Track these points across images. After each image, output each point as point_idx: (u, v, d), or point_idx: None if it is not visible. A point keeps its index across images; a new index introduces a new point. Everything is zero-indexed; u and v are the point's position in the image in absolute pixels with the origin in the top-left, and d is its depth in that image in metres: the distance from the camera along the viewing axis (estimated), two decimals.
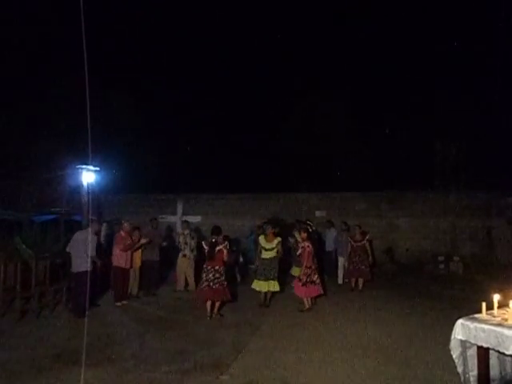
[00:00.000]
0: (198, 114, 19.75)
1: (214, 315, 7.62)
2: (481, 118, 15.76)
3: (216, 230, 7.87)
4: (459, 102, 16.12)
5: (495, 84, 15.84)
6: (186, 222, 11.07)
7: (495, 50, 16.10)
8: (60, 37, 16.93)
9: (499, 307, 3.91)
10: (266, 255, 8.65)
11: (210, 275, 7.60)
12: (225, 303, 8.04)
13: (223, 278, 7.69)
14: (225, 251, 7.71)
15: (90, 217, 9.46)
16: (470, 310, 4.17)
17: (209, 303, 7.59)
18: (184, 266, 10.16)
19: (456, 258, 12.94)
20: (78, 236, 7.91)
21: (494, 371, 3.85)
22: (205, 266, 7.77)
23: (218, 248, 7.69)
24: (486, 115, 15.87)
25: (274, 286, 8.63)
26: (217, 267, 7.66)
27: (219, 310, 7.80)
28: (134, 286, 9.39)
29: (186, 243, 10.16)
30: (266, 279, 8.54)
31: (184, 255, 10.13)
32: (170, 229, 14.26)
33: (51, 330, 6.83)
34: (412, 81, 17.59)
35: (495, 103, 15.88)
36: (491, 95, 15.98)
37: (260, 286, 8.61)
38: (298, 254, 8.64)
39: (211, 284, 7.55)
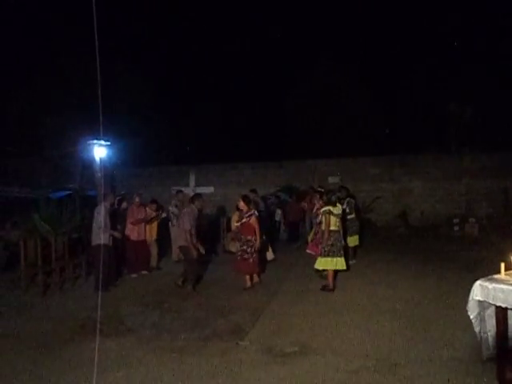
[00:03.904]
0: (208, 85, 19.53)
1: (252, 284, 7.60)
2: (495, 79, 15.28)
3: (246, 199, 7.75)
4: (473, 62, 15.63)
5: (509, 44, 15.32)
6: (178, 191, 10.74)
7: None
8: (72, 10, 16.69)
9: None
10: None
11: (243, 246, 7.57)
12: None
13: (251, 249, 7.49)
14: (252, 220, 7.54)
15: (103, 191, 9.54)
16: (486, 271, 4.16)
17: (249, 276, 7.58)
18: (173, 235, 9.94)
19: (471, 220, 12.83)
20: (96, 210, 8.02)
21: None
22: (254, 237, 7.60)
23: (244, 220, 7.60)
24: (500, 76, 15.36)
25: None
26: (249, 237, 7.56)
27: (253, 279, 7.73)
28: (153, 258, 9.54)
29: (173, 213, 10.09)
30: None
31: (173, 225, 10.05)
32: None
33: (73, 302, 7.03)
34: (425, 42, 17.05)
35: (509, 63, 15.38)
36: (505, 55, 15.46)
37: None
38: (318, 221, 8.30)
39: (238, 255, 7.61)
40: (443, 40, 16.74)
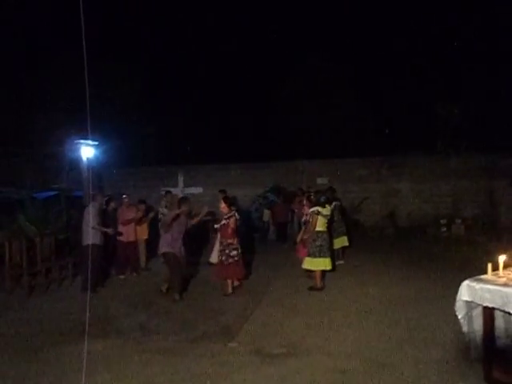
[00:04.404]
0: (197, 86, 19.44)
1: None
2: (483, 80, 15.46)
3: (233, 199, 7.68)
4: (460, 63, 15.81)
5: (496, 45, 15.53)
6: (167, 192, 10.63)
7: (495, 11, 15.68)
8: (59, 8, 16.48)
9: (504, 268, 3.92)
10: None
11: (224, 250, 7.25)
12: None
13: (233, 252, 7.20)
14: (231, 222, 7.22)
15: (91, 192, 9.43)
16: (472, 271, 4.19)
17: (230, 281, 7.25)
18: None
19: (458, 221, 12.98)
20: (86, 210, 7.92)
21: (499, 331, 3.89)
22: (236, 239, 7.32)
23: (223, 222, 7.26)
24: (487, 77, 15.55)
25: None
26: (229, 240, 7.26)
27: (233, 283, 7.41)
28: (141, 259, 9.47)
29: (162, 214, 10.03)
30: None
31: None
32: None
33: (59, 304, 6.93)
34: (412, 43, 17.17)
35: (496, 64, 15.58)
36: (493, 56, 15.66)
37: None
38: (303, 220, 8.32)
39: (223, 259, 7.21)
40: (431, 40, 16.88)
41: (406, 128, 16.15)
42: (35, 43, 16.85)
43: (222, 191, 9.75)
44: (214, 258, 8.37)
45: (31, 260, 7.77)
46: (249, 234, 12.33)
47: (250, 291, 7.40)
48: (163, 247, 7.28)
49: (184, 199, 7.78)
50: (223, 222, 7.29)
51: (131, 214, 9.01)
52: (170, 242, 7.18)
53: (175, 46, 20.02)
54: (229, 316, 6.05)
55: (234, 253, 7.18)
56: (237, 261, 7.20)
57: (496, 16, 15.76)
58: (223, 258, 7.20)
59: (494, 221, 12.87)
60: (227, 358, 4.63)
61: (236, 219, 7.30)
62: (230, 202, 7.59)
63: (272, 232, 13.63)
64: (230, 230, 7.24)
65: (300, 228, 9.95)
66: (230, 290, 7.21)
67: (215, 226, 7.74)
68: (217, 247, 8.09)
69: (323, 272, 7.52)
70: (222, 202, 7.45)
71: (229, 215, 7.29)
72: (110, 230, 8.13)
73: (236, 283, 7.46)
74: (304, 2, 19.81)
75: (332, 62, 17.64)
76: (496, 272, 3.91)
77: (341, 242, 9.35)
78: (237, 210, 7.69)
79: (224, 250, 7.24)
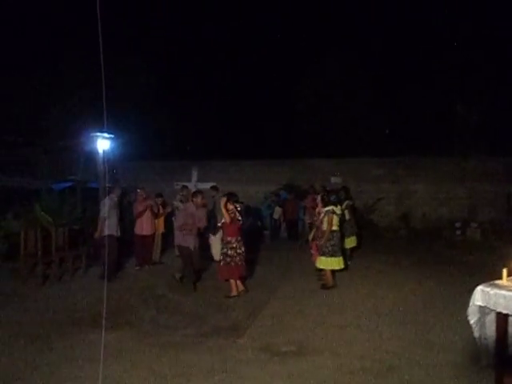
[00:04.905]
0: (213, 81, 19.46)
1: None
2: (503, 82, 15.17)
3: (235, 196, 7.20)
4: (481, 64, 15.51)
5: None
6: (184, 186, 10.61)
7: None
8: (78, 2, 16.63)
9: None
10: None
11: (223, 249, 7.01)
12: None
13: (232, 252, 6.92)
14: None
15: (107, 185, 9.54)
16: (486, 276, 4.11)
17: (233, 281, 6.95)
18: None
19: (474, 225, 12.78)
20: (103, 202, 8.05)
21: None
22: (235, 238, 7.00)
23: (223, 220, 7.02)
24: (508, 78, 15.25)
25: None
26: (228, 238, 7.02)
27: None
28: (156, 252, 9.54)
29: (177, 208, 10.08)
30: None
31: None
32: None
33: (72, 294, 7.02)
34: (433, 43, 16.89)
35: None
36: None
37: None
38: (315, 219, 8.21)
39: (222, 258, 6.99)
40: (451, 41, 16.59)
41: (423, 129, 15.95)
42: (54, 34, 17.04)
43: (214, 188, 9.63)
44: (215, 254, 8.52)
45: (46, 249, 7.89)
46: (260, 231, 12.33)
47: (260, 288, 7.40)
48: (177, 240, 7.75)
49: (197, 192, 7.88)
50: (223, 220, 7.06)
51: (144, 206, 9.06)
52: (184, 236, 7.40)
53: (193, 40, 20.08)
54: (238, 312, 6.06)
55: (231, 252, 6.87)
56: (234, 261, 6.86)
57: None
58: (222, 258, 7.01)
59: (511, 226, 12.62)
60: (236, 353, 4.65)
61: (236, 218, 7.00)
62: (234, 199, 7.18)
63: (283, 230, 13.61)
64: (229, 228, 7.01)
65: (310, 226, 9.92)
66: (234, 292, 6.88)
67: (218, 224, 7.71)
68: (215, 244, 8.26)
69: (334, 271, 7.49)
70: (225, 199, 7.10)
71: (230, 212, 6.97)
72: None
73: (241, 287, 7.02)
74: (320, 2, 19.67)
75: (350, 62, 17.48)
76: (511, 278, 3.84)
77: (351, 241, 9.29)
78: (247, 208, 7.62)
79: (223, 248, 7.05)
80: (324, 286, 7.31)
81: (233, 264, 6.87)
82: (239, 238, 7.02)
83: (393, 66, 17.52)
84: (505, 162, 13.57)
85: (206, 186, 13.97)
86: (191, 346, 4.86)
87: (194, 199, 7.62)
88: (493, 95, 14.76)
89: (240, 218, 7.05)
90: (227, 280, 7.01)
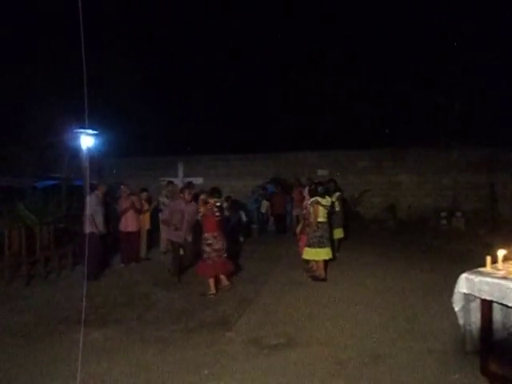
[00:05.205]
0: (197, 75, 19.31)
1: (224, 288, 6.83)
2: (484, 73, 15.33)
3: (217, 192, 7.00)
4: (463, 56, 15.66)
5: (497, 38, 15.38)
6: (169, 182, 10.63)
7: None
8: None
9: (503, 261, 3.91)
10: None
11: (202, 245, 6.81)
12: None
13: (209, 248, 6.72)
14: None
15: (92, 182, 9.44)
16: (472, 264, 4.17)
17: (213, 280, 6.72)
18: (163, 226, 9.83)
19: (458, 214, 12.96)
20: (86, 199, 7.94)
21: (497, 324, 3.89)
22: (211, 234, 6.75)
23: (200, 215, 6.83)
24: (489, 70, 15.42)
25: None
26: (205, 234, 6.79)
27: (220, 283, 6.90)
28: (143, 248, 9.49)
29: (163, 204, 9.96)
30: None
31: (163, 216, 10.02)
32: None
33: (58, 293, 6.93)
34: (415, 35, 16.98)
35: (498, 57, 15.43)
36: (494, 49, 15.51)
37: None
38: (303, 213, 8.24)
39: (220, 254, 6.78)
40: (433, 33, 16.69)
41: (408, 120, 16.06)
42: (33, 31, 16.71)
43: (189, 184, 9.22)
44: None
45: (30, 249, 7.77)
46: (248, 225, 12.34)
47: (248, 281, 7.40)
48: (169, 234, 8.07)
49: (188, 185, 7.84)
50: (200, 215, 6.87)
51: (127, 203, 8.96)
52: (174, 230, 7.50)
53: (176, 35, 19.87)
54: (227, 306, 6.05)
55: (207, 249, 6.68)
56: (211, 257, 6.68)
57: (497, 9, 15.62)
58: (202, 254, 6.84)
59: (494, 214, 12.84)
60: (225, 347, 4.65)
61: (213, 213, 6.75)
62: (214, 194, 6.95)
63: (271, 223, 13.63)
64: (205, 224, 6.81)
65: (298, 219, 9.96)
66: (211, 289, 6.61)
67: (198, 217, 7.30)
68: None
69: (325, 263, 7.53)
70: (207, 193, 6.98)
71: (207, 207, 6.76)
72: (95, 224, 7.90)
73: (226, 283, 6.85)
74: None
75: (333, 54, 17.49)
76: (495, 265, 3.90)
77: (338, 233, 9.36)
78: (233, 203, 7.57)
79: (202, 244, 6.85)
80: (315, 278, 7.35)
81: (210, 261, 6.67)
82: (215, 234, 6.73)
83: (376, 59, 17.57)
84: (486, 152, 13.76)
85: (194, 181, 13.96)
86: (179, 342, 4.84)
87: (182, 194, 7.61)
88: (473, 87, 14.91)
89: (218, 214, 6.79)
90: (208, 277, 6.72)
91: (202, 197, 6.94)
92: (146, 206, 9.51)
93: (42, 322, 5.57)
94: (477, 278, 3.72)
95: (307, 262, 7.78)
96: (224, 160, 15.95)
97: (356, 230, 12.11)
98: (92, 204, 7.79)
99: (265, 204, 13.38)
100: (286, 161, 15.59)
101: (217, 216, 6.79)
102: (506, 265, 3.88)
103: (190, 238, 7.71)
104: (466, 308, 3.98)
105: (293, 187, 13.13)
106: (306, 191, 8.26)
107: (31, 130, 15.15)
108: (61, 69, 15.99)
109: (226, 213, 7.49)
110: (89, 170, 10.23)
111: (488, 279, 3.64)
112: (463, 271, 3.93)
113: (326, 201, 7.57)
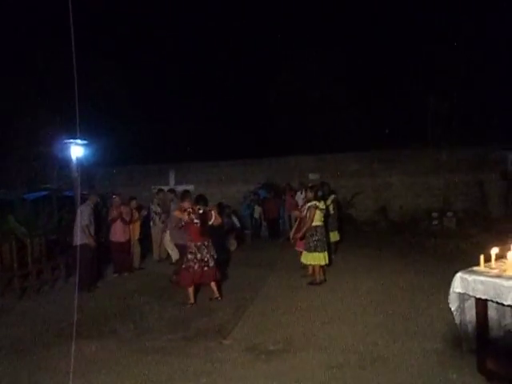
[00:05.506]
0: (187, 83, 19.35)
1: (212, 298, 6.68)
2: (472, 73, 15.52)
3: (202, 200, 6.68)
4: (451, 57, 15.84)
5: (485, 38, 15.60)
6: (160, 190, 10.61)
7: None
8: (44, 5, 16.23)
9: (496, 259, 3.94)
10: None
11: (204, 253, 6.52)
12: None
13: (191, 256, 6.50)
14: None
15: (83, 192, 9.36)
16: (465, 263, 4.21)
17: (191, 289, 6.55)
18: (155, 235, 10.10)
19: (449, 214, 13.06)
20: (78, 210, 7.86)
21: (492, 322, 3.92)
22: (194, 243, 6.51)
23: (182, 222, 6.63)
24: (478, 70, 15.61)
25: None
26: (188, 243, 6.61)
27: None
28: (136, 257, 9.42)
29: (155, 212, 10.06)
30: None
31: (155, 224, 10.08)
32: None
33: (51, 305, 6.85)
34: (403, 36, 17.16)
35: (487, 58, 15.64)
36: (483, 50, 15.71)
37: None
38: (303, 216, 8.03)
39: (203, 265, 6.49)
40: (421, 33, 16.87)
41: (397, 122, 16.18)
42: (21, 41, 16.61)
43: (171, 191, 9.49)
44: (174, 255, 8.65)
45: (22, 262, 7.67)
46: (241, 231, 12.32)
47: (244, 287, 7.38)
48: (174, 239, 8.03)
49: (185, 193, 7.61)
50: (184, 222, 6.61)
51: (116, 213, 8.86)
52: (181, 235, 7.25)
53: (164, 43, 19.89)
54: (223, 313, 6.02)
55: (190, 257, 6.46)
56: (192, 267, 6.43)
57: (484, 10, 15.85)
58: (183, 262, 6.64)
59: (485, 213, 12.97)
60: (222, 355, 4.62)
61: (192, 220, 6.47)
62: (199, 201, 6.66)
63: (264, 228, 13.63)
64: (189, 232, 6.59)
65: (290, 223, 9.96)
66: (191, 299, 6.49)
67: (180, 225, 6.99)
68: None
69: (322, 266, 7.52)
70: (193, 200, 6.75)
71: (191, 216, 6.51)
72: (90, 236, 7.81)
73: (216, 294, 6.66)
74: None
75: (322, 58, 17.60)
76: (488, 264, 3.93)
77: (334, 236, 9.37)
78: (223, 208, 7.47)
79: (186, 253, 6.61)
80: (312, 283, 7.33)
81: (190, 270, 6.43)
82: (199, 244, 6.49)
83: (365, 61, 17.71)
84: (475, 151, 13.91)
85: (185, 188, 13.94)
86: (176, 350, 4.81)
87: (182, 204, 7.03)
88: (462, 87, 15.10)
89: (196, 221, 6.45)
90: (186, 286, 6.54)
91: (183, 204, 6.74)
92: (135, 215, 9.43)
93: (36, 335, 5.50)
94: (471, 277, 3.75)
95: (305, 266, 7.78)
96: (215, 166, 15.93)
97: (349, 232, 12.14)
98: (85, 215, 7.73)
99: (257, 209, 13.39)
100: (278, 165, 15.62)
101: (195, 223, 6.47)
102: (499, 263, 3.92)
103: None
104: (461, 307, 4.00)
105: (285, 192, 13.16)
106: (298, 195, 8.26)
107: (20, 141, 15.03)
108: (49, 79, 15.91)
109: (219, 220, 7.27)
110: (79, 180, 10.15)
111: (482, 278, 3.67)
112: (457, 271, 3.95)
113: (322, 204, 7.60)
